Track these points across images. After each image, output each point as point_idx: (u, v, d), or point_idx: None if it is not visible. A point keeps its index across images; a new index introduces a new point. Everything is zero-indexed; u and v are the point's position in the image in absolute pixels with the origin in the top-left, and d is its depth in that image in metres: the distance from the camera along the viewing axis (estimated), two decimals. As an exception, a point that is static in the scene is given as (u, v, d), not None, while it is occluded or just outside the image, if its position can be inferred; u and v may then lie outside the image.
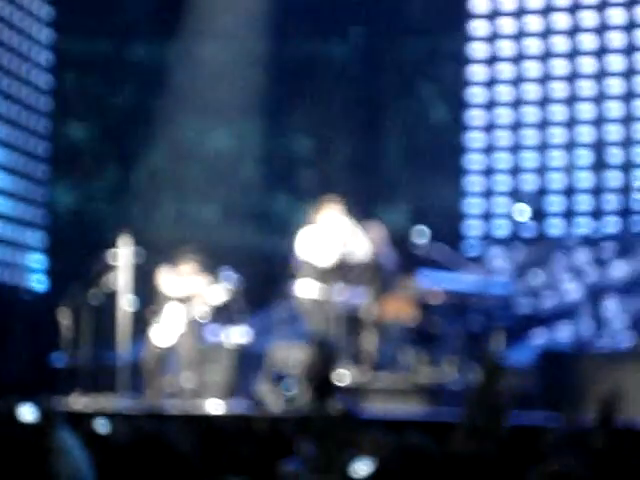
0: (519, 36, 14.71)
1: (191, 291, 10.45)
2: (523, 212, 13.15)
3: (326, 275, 8.88)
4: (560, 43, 14.51)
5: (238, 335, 11.07)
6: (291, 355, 10.74)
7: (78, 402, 10.13)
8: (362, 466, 4.49)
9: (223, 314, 11.42)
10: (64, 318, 10.79)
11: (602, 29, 14.27)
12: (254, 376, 10.82)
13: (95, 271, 10.74)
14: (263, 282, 12.05)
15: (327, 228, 8.89)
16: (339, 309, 8.98)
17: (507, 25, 14.80)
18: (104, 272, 10.72)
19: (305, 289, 9.06)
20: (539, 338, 12.43)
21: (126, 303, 10.60)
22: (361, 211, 9.75)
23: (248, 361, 10.99)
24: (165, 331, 10.45)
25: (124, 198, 15.25)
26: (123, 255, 10.66)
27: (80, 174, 15.38)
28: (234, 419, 9.02)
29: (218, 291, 10.52)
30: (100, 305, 10.79)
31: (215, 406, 10.31)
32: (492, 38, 14.84)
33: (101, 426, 5.16)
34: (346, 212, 8.97)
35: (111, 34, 15.41)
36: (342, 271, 9.00)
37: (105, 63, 15.44)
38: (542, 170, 14.54)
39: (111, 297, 10.75)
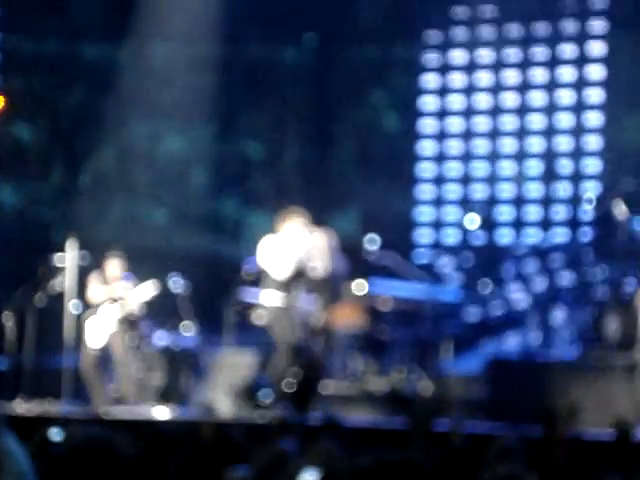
0: (471, 46, 14.85)
1: (118, 292, 10.44)
2: (473, 221, 13.26)
3: (287, 283, 8.91)
4: (512, 54, 14.66)
5: (185, 340, 11.05)
6: (240, 362, 10.75)
7: (22, 407, 10.04)
8: (308, 476, 4.51)
9: (170, 319, 11.39)
10: (8, 321, 10.71)
11: (554, 41, 14.44)
12: (202, 382, 10.80)
13: (40, 274, 10.66)
14: (212, 287, 12.04)
15: (289, 239, 8.90)
16: (300, 316, 9.01)
17: (460, 35, 14.93)
18: (49, 275, 10.65)
19: (268, 297, 9.09)
20: (487, 347, 12.54)
21: (71, 307, 10.54)
22: (312, 218, 9.78)
23: (195, 366, 10.97)
24: (98, 333, 10.44)
25: (71, 200, 15.15)
26: (69, 258, 10.60)
27: (26, 175, 15.25)
28: (181, 425, 9.01)
29: (144, 290, 10.50)
30: (45, 308, 10.72)
31: (161, 412, 10.28)
32: (444, 47, 14.96)
33: (54, 434, 5.15)
34: (307, 223, 9.00)
35: (60, 34, 15.31)
36: (299, 279, 9.03)
37: (54, 64, 15.34)
38: (492, 180, 14.68)
39: (56, 300, 10.68)
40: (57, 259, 10.66)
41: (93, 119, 15.02)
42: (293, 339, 8.89)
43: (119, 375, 10.75)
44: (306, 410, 7.71)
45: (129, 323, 10.51)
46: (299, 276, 8.91)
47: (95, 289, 10.53)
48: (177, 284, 10.99)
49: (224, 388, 10.37)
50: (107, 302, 10.47)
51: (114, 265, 10.56)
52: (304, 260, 8.95)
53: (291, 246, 8.91)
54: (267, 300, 9.30)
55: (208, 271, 13.71)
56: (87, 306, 10.64)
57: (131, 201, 15.35)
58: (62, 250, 10.66)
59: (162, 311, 11.50)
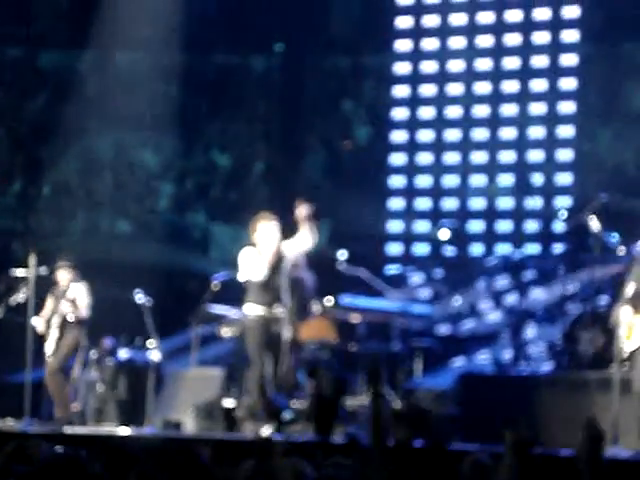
0: (442, 56, 14.90)
1: (66, 298, 10.38)
2: (444, 234, 13.30)
3: (266, 294, 8.89)
4: (483, 64, 14.73)
5: (149, 355, 10.98)
6: (206, 377, 10.70)
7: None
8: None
9: (134, 334, 11.33)
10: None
11: (527, 51, 14.52)
12: (168, 397, 10.74)
13: (0, 287, 10.58)
14: (179, 301, 11.99)
15: (262, 245, 8.90)
16: (279, 329, 8.96)
17: (431, 45, 14.98)
18: (10, 288, 10.56)
19: (249, 309, 9.05)
20: (459, 362, 12.56)
21: (33, 320, 10.45)
22: (281, 230, 9.75)
23: (160, 382, 10.91)
24: (52, 343, 10.39)
25: (33, 211, 15.04)
26: (30, 271, 10.51)
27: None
28: (146, 441, 8.95)
29: (83, 295, 10.43)
30: (5, 322, 10.63)
31: (126, 428, 10.21)
32: (415, 58, 15.00)
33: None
34: (279, 229, 9.01)
35: (21, 42, 15.22)
36: (275, 290, 9.02)
37: (14, 72, 15.25)
38: (464, 192, 14.71)
39: (17, 314, 10.58)
40: (18, 272, 10.57)
41: (55, 128, 14.93)
42: (275, 354, 8.86)
43: (79, 390, 10.69)
44: (328, 430, 7.68)
45: (77, 328, 10.41)
46: (274, 286, 8.91)
47: (48, 299, 10.50)
48: (141, 298, 10.92)
49: (188, 405, 10.32)
50: (56, 310, 10.41)
51: (63, 274, 10.50)
52: (278, 267, 8.95)
53: (266, 250, 8.91)
54: (246, 312, 9.25)
55: (174, 284, 13.66)
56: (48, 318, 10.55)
57: (95, 212, 15.26)
58: (23, 262, 10.57)
59: (126, 325, 11.43)
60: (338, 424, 8.46)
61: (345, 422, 8.91)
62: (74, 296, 10.40)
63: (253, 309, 8.95)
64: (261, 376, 8.82)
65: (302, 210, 9.12)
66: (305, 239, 9.05)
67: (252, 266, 8.91)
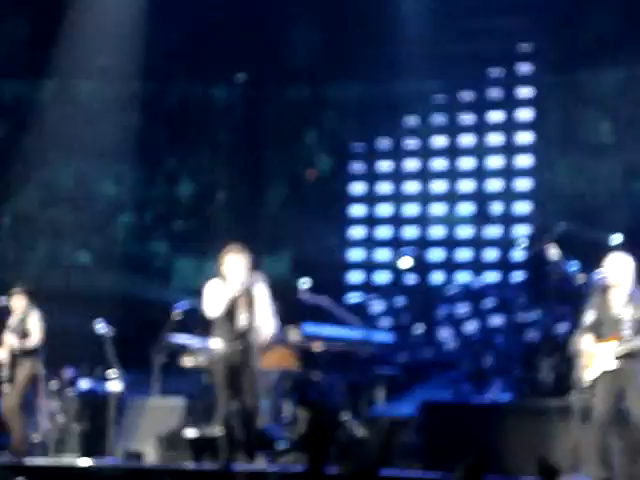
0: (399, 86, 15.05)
1: (17, 329, 10.34)
2: (404, 262, 13.40)
3: (230, 328, 8.91)
4: (440, 97, 14.89)
5: (110, 386, 10.96)
6: (167, 408, 10.70)
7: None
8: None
9: (95, 364, 11.30)
10: None
11: (482, 83, 14.70)
12: (129, 428, 10.72)
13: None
14: (140, 331, 11.96)
15: (229, 278, 8.88)
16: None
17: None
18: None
19: (214, 343, 9.09)
20: (420, 390, 12.64)
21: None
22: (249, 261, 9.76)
23: (121, 413, 10.89)
24: (7, 370, 10.33)
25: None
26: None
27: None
28: (108, 472, 8.93)
29: (38, 326, 10.39)
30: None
31: (87, 459, 10.18)
32: (373, 88, 15.13)
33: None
34: (248, 260, 8.97)
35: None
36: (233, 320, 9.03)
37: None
38: (423, 221, 14.85)
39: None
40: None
41: (15, 158, 14.91)
42: (242, 386, 8.85)
43: (39, 420, 10.64)
44: (322, 460, 7.67)
45: (31, 358, 10.35)
46: (230, 314, 8.90)
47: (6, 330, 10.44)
48: (102, 328, 10.91)
49: (150, 435, 10.30)
50: (10, 336, 10.36)
51: (17, 300, 10.46)
52: (237, 298, 8.94)
53: (232, 279, 8.90)
54: (211, 347, 9.29)
55: (135, 314, 13.64)
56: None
57: (55, 242, 15.23)
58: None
59: (87, 355, 11.41)
60: (332, 455, 8.47)
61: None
62: (26, 325, 10.36)
63: (217, 343, 8.96)
64: (226, 410, 8.81)
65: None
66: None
67: (212, 300, 8.90)
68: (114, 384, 10.87)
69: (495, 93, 14.61)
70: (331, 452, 8.23)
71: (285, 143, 15.40)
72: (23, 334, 10.32)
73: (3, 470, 8.36)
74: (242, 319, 8.83)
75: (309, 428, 8.78)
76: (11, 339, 10.30)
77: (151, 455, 10.20)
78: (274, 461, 8.84)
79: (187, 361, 10.26)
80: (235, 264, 8.92)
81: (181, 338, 10.61)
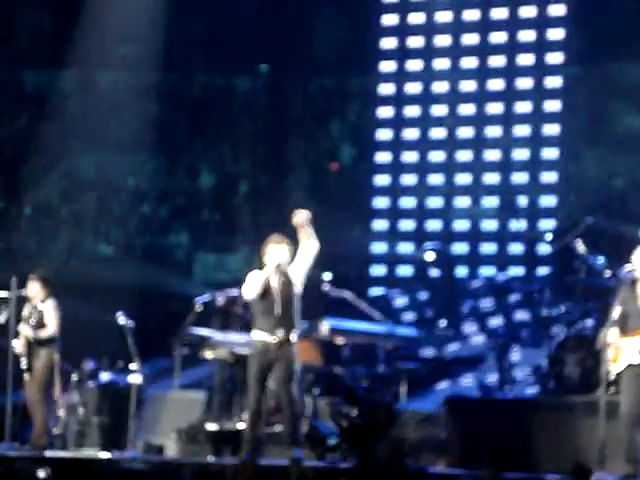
0: (426, 77, 14.98)
1: (34, 319, 10.29)
2: (429, 256, 13.34)
3: (268, 320, 8.87)
4: (468, 85, 14.81)
5: (132, 378, 10.95)
6: (188, 401, 10.68)
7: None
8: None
9: (116, 356, 11.30)
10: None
11: (511, 73, 14.61)
12: (150, 421, 10.71)
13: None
14: (161, 323, 11.96)
15: (270, 266, 8.83)
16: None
17: (415, 65, 15.07)
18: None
19: (253, 335, 9.07)
20: (443, 385, 12.58)
21: (14, 342, 10.39)
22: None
23: (141, 405, 10.88)
24: (25, 362, 10.31)
25: (14, 231, 15.02)
26: (11, 291, 10.47)
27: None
28: (128, 465, 8.92)
29: (54, 314, 10.33)
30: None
31: (107, 452, 10.17)
32: (400, 79, 15.08)
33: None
34: (289, 250, 8.94)
35: (3, 61, 15.23)
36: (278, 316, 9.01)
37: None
38: (448, 213, 14.77)
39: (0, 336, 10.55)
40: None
41: (37, 148, 14.93)
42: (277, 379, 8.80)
43: (60, 413, 10.63)
44: (371, 456, 7.64)
45: (47, 347, 10.32)
46: (269, 305, 8.84)
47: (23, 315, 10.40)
48: (123, 320, 10.89)
49: (171, 428, 10.30)
50: (25, 326, 10.32)
51: (33, 286, 10.41)
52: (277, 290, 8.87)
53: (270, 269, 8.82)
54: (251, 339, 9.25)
55: (156, 306, 13.64)
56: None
57: (77, 233, 15.24)
58: (5, 284, 10.53)
59: (108, 348, 11.40)
60: (384, 451, 8.40)
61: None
62: (42, 314, 10.31)
63: (256, 335, 8.92)
64: (256, 404, 8.73)
65: (299, 217, 9.05)
66: (310, 246, 8.98)
67: (250, 283, 8.84)
68: (135, 377, 10.85)
69: (524, 83, 14.51)
70: (381, 447, 8.19)
71: (308, 134, 15.35)
72: (38, 323, 10.29)
73: (25, 462, 8.37)
74: (279, 310, 8.77)
75: (360, 424, 8.74)
76: (26, 329, 10.27)
77: (172, 448, 10.19)
78: (324, 457, 8.77)
79: (208, 354, 10.23)
80: (277, 254, 8.85)
81: (202, 330, 10.59)
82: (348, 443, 9.22)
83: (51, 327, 10.29)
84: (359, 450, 8.59)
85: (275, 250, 8.90)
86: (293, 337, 8.73)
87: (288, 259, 8.91)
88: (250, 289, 8.82)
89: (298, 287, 8.87)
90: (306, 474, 7.52)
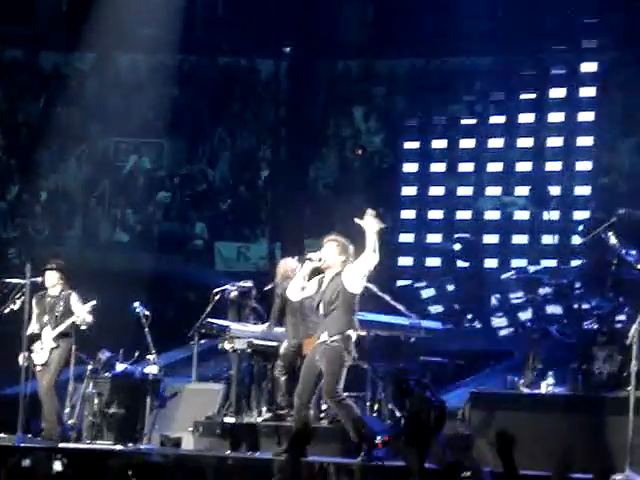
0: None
1: (55, 305, 10.41)
2: (457, 247, 13.40)
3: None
4: (501, 70, 14.83)
5: (148, 369, 11.07)
6: (205, 392, 10.79)
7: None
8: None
9: (133, 346, 11.42)
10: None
11: (545, 59, 14.62)
12: (166, 413, 10.83)
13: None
14: (178, 313, 12.08)
15: (324, 265, 8.85)
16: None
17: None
18: (5, 297, 10.65)
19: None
20: (470, 379, 12.64)
21: (29, 329, 10.54)
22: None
23: (158, 397, 11.00)
24: (41, 351, 10.44)
25: (29, 217, 15.17)
26: (26, 280, 10.61)
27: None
28: (144, 458, 9.04)
29: (84, 308, 10.45)
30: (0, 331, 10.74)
31: (123, 444, 10.30)
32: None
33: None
34: (345, 250, 8.94)
35: (22, 42, 15.39)
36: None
37: (14, 72, 15.41)
38: (478, 203, 14.80)
39: (13, 324, 10.69)
40: (14, 280, 10.66)
41: (53, 132, 15.08)
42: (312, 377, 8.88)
43: (75, 404, 10.77)
44: (421, 456, 7.70)
45: (65, 338, 10.45)
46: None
47: (35, 306, 10.51)
48: (140, 309, 11.02)
49: (187, 421, 10.40)
50: (44, 316, 10.44)
51: (50, 277, 10.53)
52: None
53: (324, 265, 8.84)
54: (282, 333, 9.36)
55: (174, 296, 13.76)
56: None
57: (93, 220, 15.39)
58: (19, 270, 10.68)
59: (124, 338, 11.53)
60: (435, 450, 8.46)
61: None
62: (72, 305, 10.45)
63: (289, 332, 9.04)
64: (300, 397, 8.81)
65: (371, 223, 8.92)
66: (370, 257, 8.90)
67: (293, 284, 8.86)
68: (151, 368, 10.97)
69: (558, 69, 14.51)
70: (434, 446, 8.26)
71: (333, 119, 15.41)
72: (64, 314, 10.42)
73: (40, 454, 8.51)
74: (323, 309, 8.83)
75: (413, 421, 8.79)
76: (53, 318, 10.41)
77: (189, 441, 10.31)
78: (374, 454, 8.86)
79: (226, 345, 10.34)
80: (331, 253, 8.84)
81: (221, 321, 10.69)
82: (400, 440, 9.27)
83: (88, 318, 10.40)
84: (412, 448, 8.64)
85: (329, 249, 8.88)
86: (336, 337, 8.70)
87: (339, 259, 8.86)
88: (294, 290, 8.83)
89: (351, 288, 8.82)
90: (353, 471, 7.64)
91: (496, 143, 14.80)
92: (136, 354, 11.27)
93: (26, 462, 7.40)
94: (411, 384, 10.00)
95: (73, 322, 10.39)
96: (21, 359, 10.31)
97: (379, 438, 8.90)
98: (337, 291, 8.72)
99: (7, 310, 10.53)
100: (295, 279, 8.86)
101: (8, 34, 15.24)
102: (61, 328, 10.38)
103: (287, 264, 10.14)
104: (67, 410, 10.82)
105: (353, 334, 8.74)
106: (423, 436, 8.40)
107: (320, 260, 8.77)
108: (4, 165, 15.47)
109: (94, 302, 10.41)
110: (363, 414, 9.42)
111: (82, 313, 10.38)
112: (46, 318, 10.47)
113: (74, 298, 10.48)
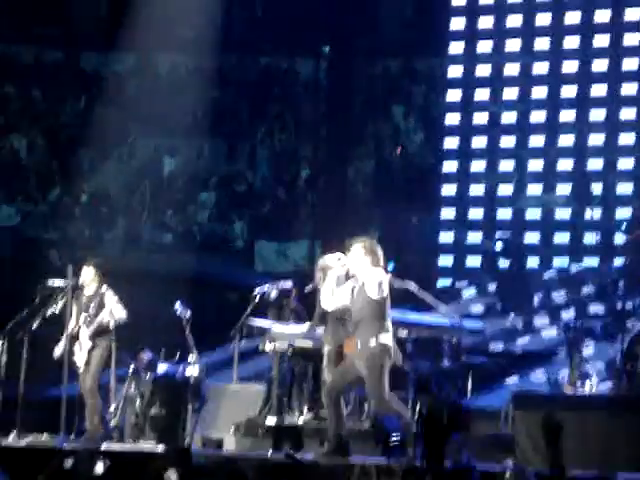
0: (497, 60, 14.93)
1: (92, 303, 10.44)
2: (499, 246, 13.32)
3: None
4: (540, 67, 14.76)
5: (189, 370, 11.10)
6: (247, 394, 10.81)
7: (17, 441, 10.09)
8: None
9: (173, 347, 11.45)
10: (2, 348, 10.75)
11: (586, 55, 14.52)
12: (208, 414, 10.86)
13: (37, 298, 10.73)
14: (219, 314, 12.09)
15: (351, 270, 8.84)
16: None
17: (486, 47, 15.03)
18: (47, 299, 10.70)
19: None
20: (512, 380, 12.58)
21: (69, 330, 10.58)
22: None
23: (199, 398, 11.02)
24: (81, 352, 10.48)
25: (70, 219, 15.25)
26: (68, 281, 10.66)
27: (22, 193, 15.39)
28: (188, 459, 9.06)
29: (117, 306, 10.48)
30: (42, 334, 10.78)
31: (164, 445, 10.33)
32: (470, 61, 15.04)
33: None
34: (374, 254, 8.92)
35: (60, 44, 15.48)
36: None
37: (54, 74, 15.50)
38: (519, 202, 14.73)
39: (53, 326, 10.74)
40: (55, 282, 10.71)
41: (94, 133, 15.15)
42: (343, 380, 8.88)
43: (116, 405, 10.81)
44: (439, 456, 7.71)
45: (104, 336, 10.49)
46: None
47: (74, 306, 10.55)
48: (181, 310, 11.05)
49: (229, 422, 10.41)
50: (81, 315, 10.48)
51: (86, 274, 10.56)
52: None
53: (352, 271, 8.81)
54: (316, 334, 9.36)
55: (215, 296, 13.78)
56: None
57: (134, 221, 15.45)
58: (61, 272, 10.74)
59: (165, 339, 11.57)
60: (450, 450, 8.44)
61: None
62: (105, 303, 10.48)
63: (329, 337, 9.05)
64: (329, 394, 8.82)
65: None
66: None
67: (326, 295, 8.86)
68: (192, 368, 10.99)
69: (599, 65, 14.41)
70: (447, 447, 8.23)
71: (372, 118, 15.39)
72: (97, 312, 10.46)
73: (82, 455, 8.55)
74: (354, 315, 8.82)
75: (429, 420, 8.76)
76: (90, 318, 10.45)
77: (230, 443, 10.32)
78: (388, 453, 8.85)
79: (268, 346, 10.34)
80: (357, 256, 8.82)
81: (261, 322, 10.70)
82: (414, 440, 9.26)
83: (122, 314, 10.44)
84: (424, 448, 8.62)
85: (355, 253, 8.85)
86: (372, 341, 8.68)
87: (362, 261, 8.84)
88: (329, 301, 8.82)
89: (374, 295, 8.79)
90: (368, 471, 7.62)
91: (537, 141, 14.71)
92: (177, 355, 11.30)
93: (68, 463, 7.45)
94: (429, 385, 9.98)
95: (109, 320, 10.42)
96: (57, 351, 10.36)
97: (394, 437, 8.89)
98: (364, 298, 8.71)
99: (49, 312, 10.59)
100: (324, 288, 8.84)
101: (48, 36, 15.35)
102: (95, 326, 10.42)
103: (326, 261, 10.14)
104: (110, 411, 10.85)
105: (387, 338, 8.71)
106: (435, 436, 8.38)
107: (345, 264, 8.76)
108: (45, 167, 15.57)
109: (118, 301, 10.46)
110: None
111: (115, 311, 10.42)
112: (82, 317, 10.52)
113: (109, 296, 10.52)
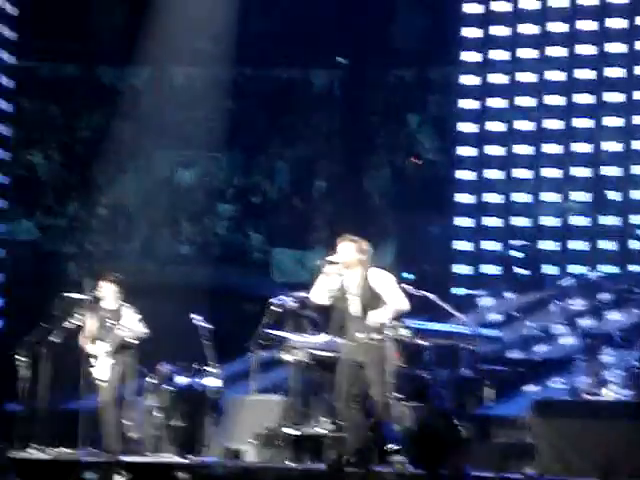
0: (511, 68, 14.93)
1: (110, 318, 10.46)
2: (516, 254, 13.28)
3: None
4: (555, 75, 14.74)
5: (208, 381, 11.10)
6: (266, 405, 10.80)
7: (36, 454, 10.10)
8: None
9: (192, 358, 11.46)
10: (22, 363, 10.77)
11: (601, 62, 14.50)
12: (227, 425, 10.85)
13: (56, 310, 10.75)
14: (237, 325, 12.08)
15: (339, 265, 8.88)
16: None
17: (499, 55, 15.03)
18: (66, 312, 10.73)
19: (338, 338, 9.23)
20: (531, 388, 12.54)
21: (87, 344, 10.60)
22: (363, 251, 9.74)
23: (218, 409, 11.03)
24: (101, 366, 10.49)
25: (88, 232, 15.29)
26: (86, 294, 10.69)
27: (40, 206, 15.44)
28: (206, 470, 9.07)
29: (137, 322, 10.49)
30: (61, 347, 10.80)
31: (184, 457, 10.33)
32: (483, 69, 15.04)
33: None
34: (361, 249, 8.95)
35: (78, 58, 15.53)
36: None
37: (71, 88, 15.56)
38: (535, 210, 14.70)
39: (73, 338, 10.76)
40: (73, 295, 10.74)
41: (110, 147, 15.19)
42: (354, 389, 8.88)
43: (135, 418, 10.81)
44: (435, 463, 7.72)
45: (125, 351, 10.50)
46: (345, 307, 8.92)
47: (89, 318, 10.56)
48: (200, 322, 11.05)
49: (249, 433, 10.41)
50: (101, 330, 10.49)
51: (107, 287, 10.57)
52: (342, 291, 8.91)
53: (340, 273, 8.86)
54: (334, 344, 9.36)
55: (233, 307, 13.78)
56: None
57: (152, 233, 15.48)
58: (79, 285, 10.76)
59: (184, 350, 11.58)
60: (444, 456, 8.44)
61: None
62: (124, 318, 10.50)
63: (340, 340, 9.04)
64: (346, 409, 8.81)
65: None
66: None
67: (318, 286, 8.91)
68: (212, 380, 11.00)
69: (614, 72, 14.38)
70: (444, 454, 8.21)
71: (388, 128, 15.40)
72: (115, 328, 10.47)
73: (103, 467, 8.57)
74: (355, 312, 8.84)
75: (425, 430, 8.76)
76: (111, 333, 10.46)
77: (250, 453, 10.31)
78: (385, 461, 8.83)
79: (286, 356, 10.33)
80: (346, 253, 8.88)
81: (280, 332, 10.69)
82: (409, 449, 9.24)
83: (137, 329, 10.47)
84: (420, 457, 8.63)
85: (343, 249, 8.92)
86: (377, 337, 8.72)
87: (356, 258, 8.88)
88: (316, 294, 8.87)
89: (364, 288, 8.83)
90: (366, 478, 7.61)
91: (552, 148, 14.69)
92: (196, 366, 11.30)
93: (88, 476, 7.46)
94: (425, 394, 9.96)
95: (129, 335, 10.43)
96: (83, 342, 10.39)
97: (390, 445, 8.88)
98: (369, 294, 8.75)
99: (68, 325, 10.61)
100: (315, 283, 8.88)
101: (65, 50, 15.40)
102: (114, 341, 10.43)
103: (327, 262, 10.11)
104: (130, 423, 10.86)
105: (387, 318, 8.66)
106: (430, 445, 8.38)
107: (338, 261, 8.81)
108: (62, 181, 15.62)
109: (139, 316, 10.48)
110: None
111: (135, 327, 10.44)
112: (101, 332, 10.53)
113: (128, 312, 10.53)
